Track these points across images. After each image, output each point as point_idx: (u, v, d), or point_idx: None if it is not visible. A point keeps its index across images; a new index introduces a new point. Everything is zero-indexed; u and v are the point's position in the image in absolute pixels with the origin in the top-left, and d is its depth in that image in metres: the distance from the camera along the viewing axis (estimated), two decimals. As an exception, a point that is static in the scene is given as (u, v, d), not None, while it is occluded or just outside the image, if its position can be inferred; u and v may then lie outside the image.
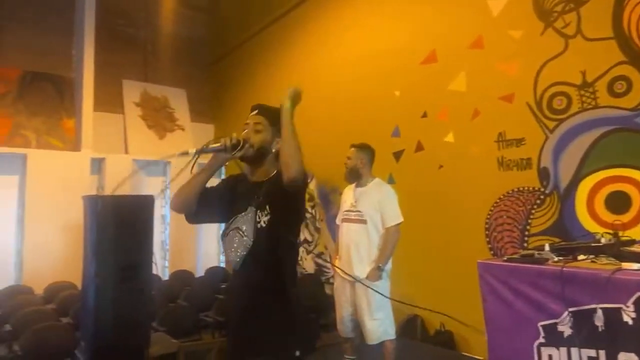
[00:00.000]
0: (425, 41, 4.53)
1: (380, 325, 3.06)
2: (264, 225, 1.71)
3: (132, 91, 7.35)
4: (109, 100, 7.06)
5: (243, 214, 1.77)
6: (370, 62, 5.15)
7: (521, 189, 3.67)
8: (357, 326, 3.17)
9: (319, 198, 5.81)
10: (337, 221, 3.46)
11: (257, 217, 1.73)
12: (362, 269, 3.10)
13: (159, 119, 7.39)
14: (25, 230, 5.85)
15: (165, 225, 7.12)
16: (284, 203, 1.70)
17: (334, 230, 5.41)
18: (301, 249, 6.02)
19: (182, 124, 7.60)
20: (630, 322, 1.69)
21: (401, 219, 3.18)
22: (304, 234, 6.00)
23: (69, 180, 5.98)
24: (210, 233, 7.73)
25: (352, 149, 3.37)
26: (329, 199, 5.65)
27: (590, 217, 3.23)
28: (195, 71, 8.02)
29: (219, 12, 8.27)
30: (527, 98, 3.62)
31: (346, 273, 3.09)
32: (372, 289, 2.79)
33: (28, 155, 6.05)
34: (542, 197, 3.51)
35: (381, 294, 2.89)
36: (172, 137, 7.47)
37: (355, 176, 3.31)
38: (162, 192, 7.19)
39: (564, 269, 1.88)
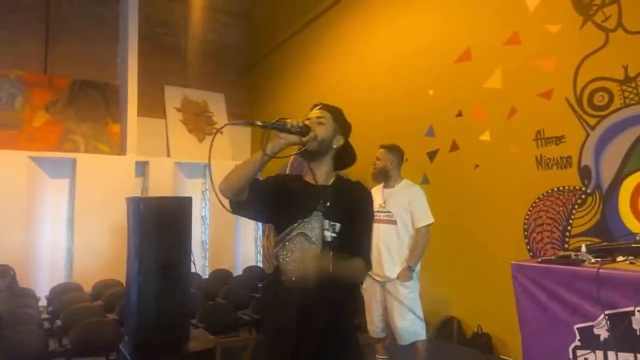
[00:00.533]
0: (459, 39, 4.47)
1: (411, 326, 3.07)
2: (334, 234, 1.60)
3: (173, 96, 7.65)
4: (152, 105, 7.38)
5: (307, 219, 1.63)
6: (403, 61, 5.12)
7: (561, 188, 3.55)
8: (388, 327, 3.18)
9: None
10: None
11: (326, 224, 1.61)
12: (393, 270, 3.10)
13: (198, 122, 7.65)
14: (75, 231, 6.21)
15: (205, 225, 7.36)
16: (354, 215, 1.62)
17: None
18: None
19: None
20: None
21: (432, 220, 3.17)
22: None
23: (115, 183, 6.29)
24: (249, 233, 7.92)
25: (382, 149, 3.38)
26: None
27: (634, 217, 3.09)
28: (232, 76, 8.25)
29: (254, 18, 8.46)
30: (566, 94, 3.51)
31: (376, 274, 3.10)
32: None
33: (77, 160, 6.42)
34: (583, 196, 3.39)
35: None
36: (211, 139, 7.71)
37: (384, 177, 3.32)
38: (202, 193, 7.45)
39: (600, 270, 1.82)
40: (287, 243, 1.62)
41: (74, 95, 6.79)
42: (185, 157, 7.27)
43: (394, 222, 3.16)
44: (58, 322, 3.95)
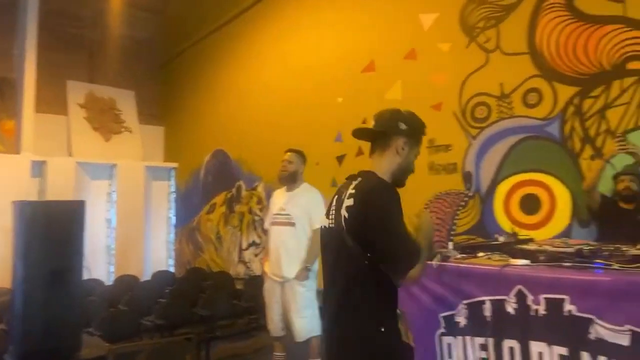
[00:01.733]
0: (365, 51, 4.73)
1: (308, 323, 3.17)
2: None
3: (76, 92, 7.19)
4: (52, 101, 6.88)
5: None
6: (316, 69, 5.30)
7: (448, 191, 3.90)
8: (286, 325, 3.27)
9: (267, 201, 5.89)
10: (266, 225, 3.52)
11: None
12: (291, 270, 3.20)
13: (105, 120, 7.25)
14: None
15: (110, 229, 6.99)
16: None
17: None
18: (250, 251, 6.09)
19: (130, 125, 7.49)
20: (512, 312, 1.88)
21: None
22: (253, 237, 6.07)
23: (6, 183, 5.78)
24: (160, 237, 7.66)
25: (292, 153, 3.42)
26: (276, 202, 5.75)
27: (506, 217, 3.49)
28: (144, 72, 7.93)
29: (169, 13, 8.21)
30: (453, 107, 3.87)
31: (275, 274, 3.20)
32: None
33: (-38, 158, 5.82)
34: (466, 199, 3.76)
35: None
36: (119, 139, 7.35)
37: (293, 180, 3.38)
38: (108, 195, 7.07)
39: (461, 265, 2.07)
40: None
41: (-39, 87, 6.14)
42: (89, 157, 6.86)
43: (293, 225, 3.25)
44: None
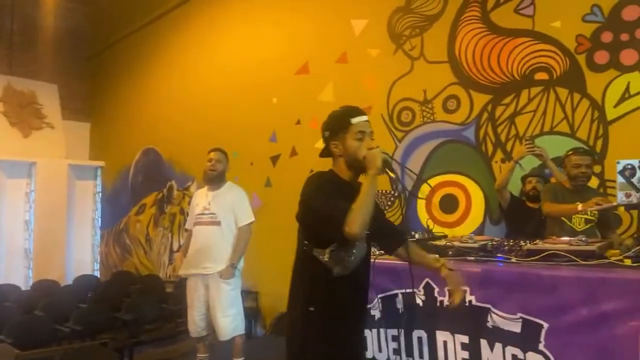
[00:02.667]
0: (299, 53, 4.78)
1: (232, 322, 3.16)
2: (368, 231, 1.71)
3: (-9, 84, 6.65)
4: (-37, 93, 6.31)
5: None
6: (251, 69, 5.28)
7: (378, 192, 4.04)
8: (209, 325, 3.23)
9: (199, 202, 5.78)
10: (188, 226, 3.46)
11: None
12: (216, 269, 3.17)
13: (23, 115, 6.76)
14: None
15: (29, 231, 6.52)
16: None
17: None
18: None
19: (52, 121, 7.04)
20: (421, 304, 2.00)
21: (253, 219, 3.33)
22: (184, 238, 5.91)
23: None
24: (84, 240, 7.25)
25: (219, 152, 3.38)
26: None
27: (428, 216, 3.68)
28: (69, 65, 7.48)
29: (99, 5, 7.81)
30: (381, 110, 4.02)
31: (200, 273, 3.15)
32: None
33: None
34: (392, 199, 3.91)
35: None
36: (39, 135, 6.88)
37: (221, 179, 3.36)
38: (26, 195, 6.60)
39: (376, 260, 2.16)
40: (355, 244, 1.70)
41: None
42: (5, 154, 6.36)
43: (218, 223, 3.23)
44: None
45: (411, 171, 3.80)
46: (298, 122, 4.76)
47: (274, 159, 5.01)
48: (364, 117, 1.77)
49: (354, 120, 1.75)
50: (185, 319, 3.83)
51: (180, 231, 5.96)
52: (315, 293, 1.73)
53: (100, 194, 7.51)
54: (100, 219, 7.44)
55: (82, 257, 7.09)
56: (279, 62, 4.98)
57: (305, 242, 1.74)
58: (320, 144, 1.84)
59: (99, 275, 6.81)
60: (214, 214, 3.22)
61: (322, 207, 1.64)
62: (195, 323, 3.24)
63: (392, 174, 1.66)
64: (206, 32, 5.94)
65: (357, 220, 1.56)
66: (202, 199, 3.34)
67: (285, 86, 4.90)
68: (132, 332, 4.01)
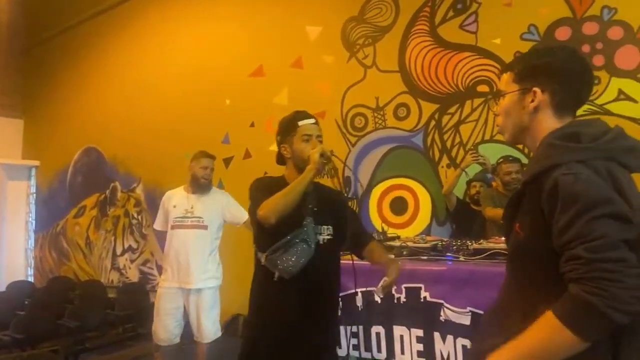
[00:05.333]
0: (254, 56, 4.80)
1: (215, 323, 3.16)
2: (329, 236, 1.78)
3: None
4: None
5: (304, 223, 1.71)
6: (203, 68, 5.21)
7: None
8: (181, 332, 3.18)
9: (147, 203, 5.61)
10: (161, 227, 3.36)
11: (322, 228, 1.77)
12: (202, 274, 3.12)
13: (-53, 110, 6.23)
14: None
15: (-48, 235, 6.02)
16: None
17: (160, 237, 5.29)
18: (125, 257, 5.72)
19: (-20, 117, 6.53)
20: (380, 301, 2.12)
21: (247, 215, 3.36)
22: (129, 241, 5.72)
23: None
24: (16, 244, 6.78)
25: (210, 159, 3.30)
26: (158, 204, 5.48)
27: (379, 218, 3.85)
28: (2, 60, 6.97)
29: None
30: (335, 116, 4.14)
31: (184, 281, 3.09)
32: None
33: None
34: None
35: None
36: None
37: (209, 186, 3.31)
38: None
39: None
40: (289, 249, 1.67)
41: None
42: None
43: (205, 227, 3.17)
44: None
45: (352, 172, 3.95)
46: (252, 125, 4.78)
47: (227, 161, 4.98)
48: (311, 120, 1.85)
49: (301, 123, 1.83)
50: (132, 325, 3.73)
51: (125, 234, 5.76)
52: (263, 296, 1.78)
53: (34, 195, 7.05)
54: (34, 222, 6.99)
55: (14, 262, 6.63)
56: (233, 64, 4.97)
57: (253, 243, 1.80)
58: (274, 147, 1.92)
59: (33, 281, 6.39)
60: (200, 217, 3.16)
61: (256, 204, 1.69)
62: (170, 331, 3.13)
63: (328, 160, 1.74)
64: (157, 28, 5.79)
65: (270, 205, 1.61)
66: (181, 200, 3.22)
67: (239, 88, 4.90)
68: (76, 339, 3.85)
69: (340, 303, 2.22)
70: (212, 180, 3.32)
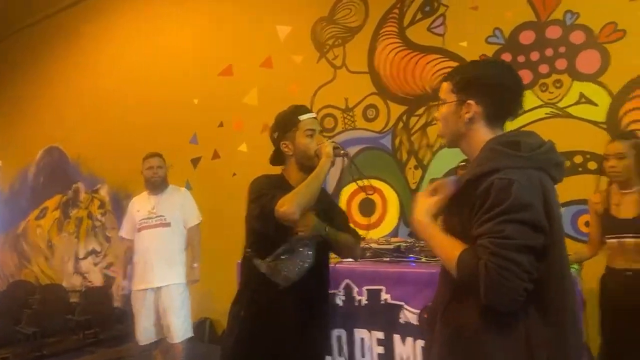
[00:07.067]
0: (223, 54, 4.72)
1: (184, 323, 3.15)
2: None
3: None
4: None
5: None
6: (170, 66, 5.10)
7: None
8: (160, 330, 3.16)
9: (111, 205, 5.45)
10: (127, 234, 3.34)
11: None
12: (167, 273, 3.12)
13: None
14: None
15: None
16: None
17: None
18: (89, 260, 5.54)
19: None
20: (341, 304, 2.09)
21: (201, 219, 3.39)
22: (92, 244, 5.54)
23: None
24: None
25: (159, 158, 3.35)
26: (123, 206, 5.34)
27: (349, 219, 3.81)
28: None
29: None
30: (305, 116, 4.09)
31: (149, 281, 3.10)
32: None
33: None
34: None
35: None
36: None
37: (164, 184, 3.33)
38: None
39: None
40: (292, 255, 1.61)
41: None
42: None
43: (168, 225, 3.19)
44: None
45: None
46: (221, 125, 4.69)
47: (195, 162, 4.88)
48: (313, 115, 1.80)
49: (303, 118, 1.76)
50: (94, 330, 3.66)
51: (88, 237, 5.57)
52: (264, 303, 1.68)
53: (-7, 196, 6.77)
54: (-6, 223, 6.71)
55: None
56: (201, 63, 4.87)
57: (248, 249, 1.69)
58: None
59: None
60: (162, 216, 3.19)
61: (257, 201, 1.60)
62: (147, 330, 3.15)
63: (344, 155, 1.71)
64: (124, 25, 5.63)
65: (292, 200, 1.52)
66: (143, 204, 3.27)
67: (208, 87, 4.80)
68: (34, 346, 3.70)
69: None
70: (166, 177, 3.35)
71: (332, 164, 1.67)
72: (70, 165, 5.91)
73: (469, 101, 1.17)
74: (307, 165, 1.71)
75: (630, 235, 2.18)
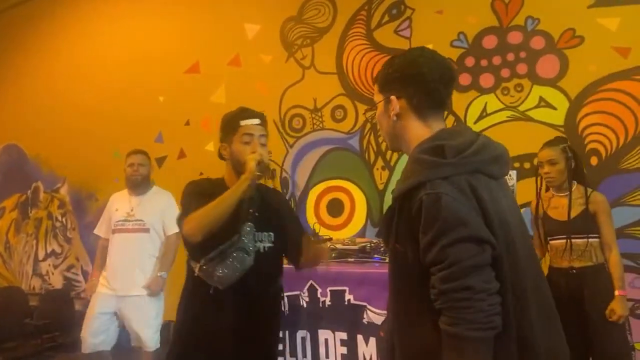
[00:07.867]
0: (190, 51, 4.63)
1: (156, 332, 3.02)
2: (270, 243, 1.67)
3: None
4: None
5: (242, 231, 1.59)
6: (134, 62, 4.95)
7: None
8: (111, 339, 3.03)
9: (72, 205, 5.27)
10: (102, 233, 3.19)
11: (262, 236, 1.66)
12: (140, 280, 2.98)
13: None
14: None
15: None
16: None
17: (86, 241, 4.99)
18: (48, 262, 5.34)
19: None
20: (305, 305, 2.09)
21: None
22: (52, 245, 5.34)
23: None
24: None
25: (142, 155, 3.18)
26: (84, 206, 5.18)
27: (316, 219, 3.83)
28: None
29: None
30: (273, 116, 4.07)
31: (114, 288, 2.96)
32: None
33: None
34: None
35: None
36: None
37: (147, 184, 3.16)
38: None
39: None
40: (225, 259, 1.54)
41: None
42: None
43: (147, 231, 3.02)
44: None
45: (290, 177, 3.91)
46: (187, 123, 4.61)
47: (160, 161, 4.77)
48: (255, 120, 1.73)
49: (243, 122, 1.71)
50: (54, 334, 3.52)
51: (48, 238, 5.37)
52: (198, 306, 1.65)
53: (-55, 195, 6.42)
54: (-55, 225, 6.36)
55: None
56: (166, 59, 4.76)
57: (186, 252, 1.67)
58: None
59: None
60: (141, 220, 3.01)
61: (185, 213, 1.56)
62: (94, 336, 2.96)
63: (268, 180, 1.66)
64: (87, 19, 5.44)
65: (196, 221, 1.47)
66: (123, 204, 3.09)
67: (174, 85, 4.70)
68: (-15, 353, 3.54)
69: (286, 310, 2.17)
70: (148, 177, 3.18)
71: (255, 179, 1.60)
72: (30, 163, 5.68)
73: (391, 97, 1.12)
74: (241, 171, 1.63)
75: (564, 237, 2.29)
